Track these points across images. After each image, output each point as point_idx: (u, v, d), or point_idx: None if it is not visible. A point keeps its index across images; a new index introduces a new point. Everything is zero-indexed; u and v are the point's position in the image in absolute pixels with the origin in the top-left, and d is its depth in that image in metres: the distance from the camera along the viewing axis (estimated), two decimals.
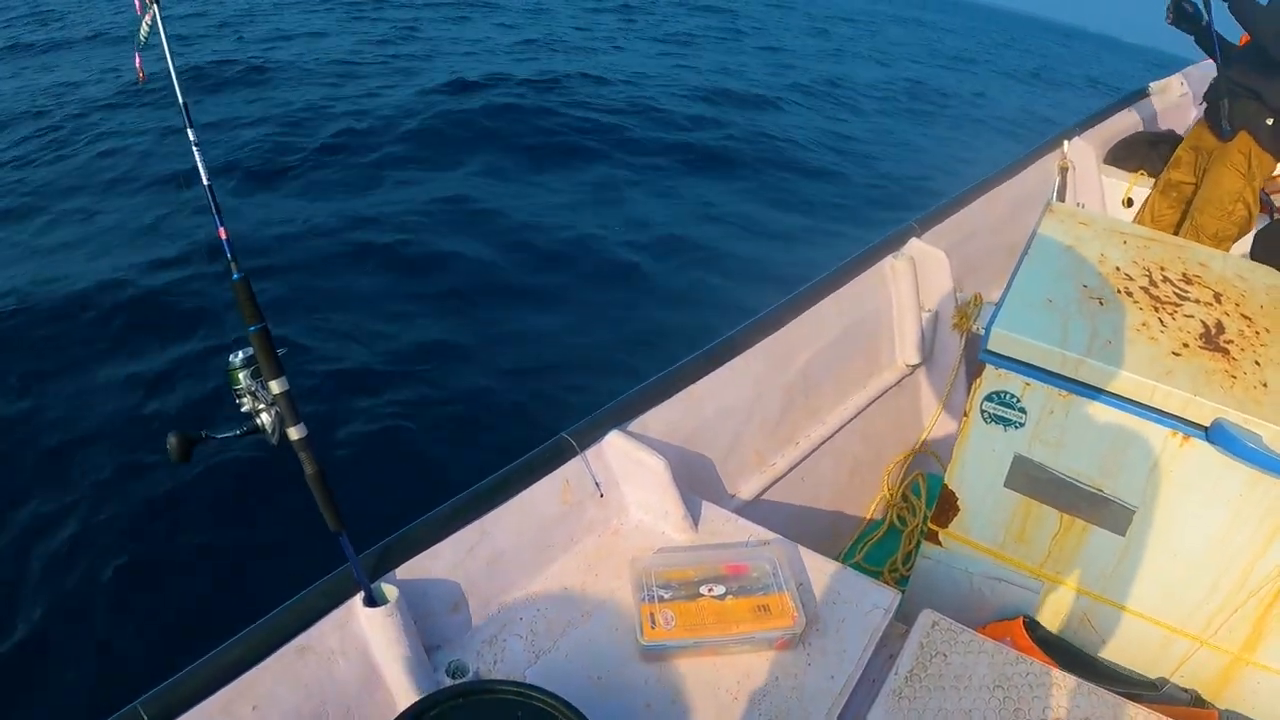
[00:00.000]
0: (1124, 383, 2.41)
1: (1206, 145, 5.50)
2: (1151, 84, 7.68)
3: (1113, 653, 2.84)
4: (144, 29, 1.78)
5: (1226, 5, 4.98)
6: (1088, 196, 6.36)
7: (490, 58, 16.49)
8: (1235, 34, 5.44)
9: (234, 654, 2.06)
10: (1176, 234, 5.54)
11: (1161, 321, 2.63)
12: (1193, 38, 5.58)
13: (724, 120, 14.71)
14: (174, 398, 5.94)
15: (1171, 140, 6.52)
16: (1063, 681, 2.45)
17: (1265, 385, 2.43)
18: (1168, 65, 9.05)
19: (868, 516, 4.16)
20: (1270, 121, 5.13)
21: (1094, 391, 2.46)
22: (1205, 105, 5.55)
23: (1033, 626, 2.85)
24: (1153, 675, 2.79)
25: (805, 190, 12.08)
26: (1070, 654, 2.83)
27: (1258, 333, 2.66)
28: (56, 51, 13.82)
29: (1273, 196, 5.88)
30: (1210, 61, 6.39)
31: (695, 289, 8.32)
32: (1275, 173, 5.51)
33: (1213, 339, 2.59)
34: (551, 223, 9.47)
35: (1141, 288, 2.80)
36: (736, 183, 11.86)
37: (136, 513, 5.05)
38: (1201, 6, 5.31)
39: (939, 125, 18.68)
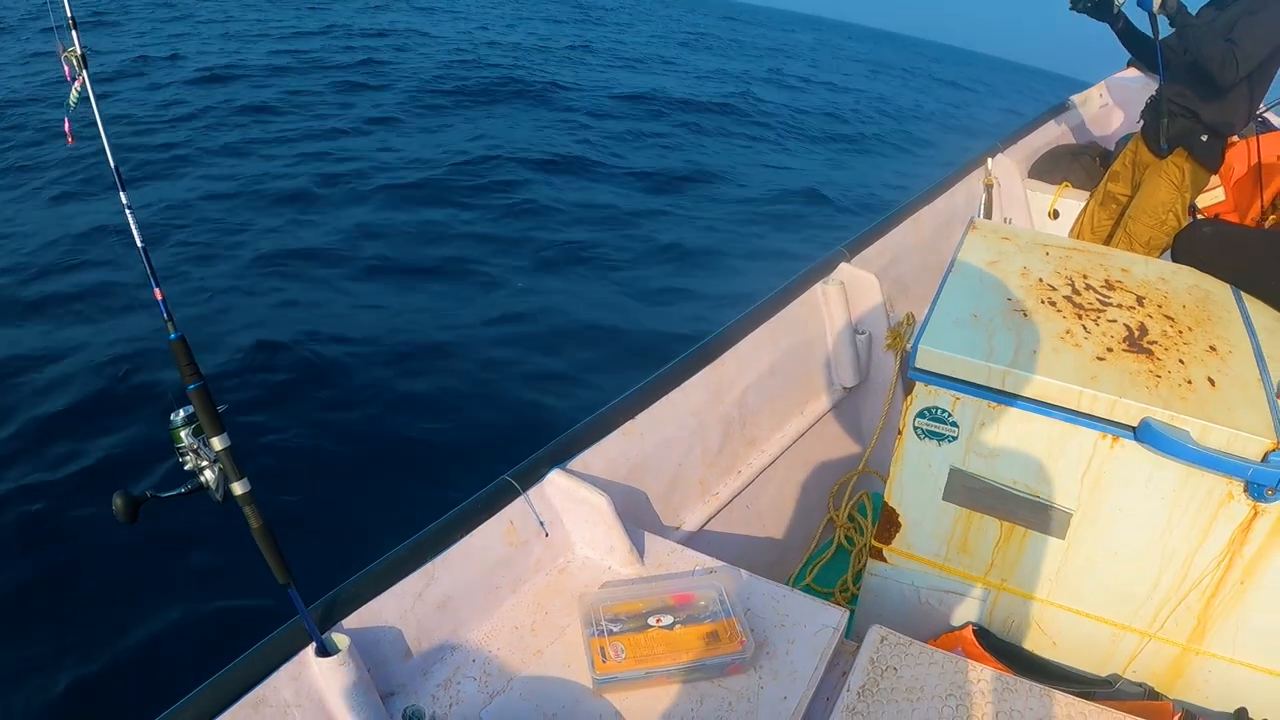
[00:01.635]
0: (1051, 390, 2.45)
1: (1143, 159, 5.60)
2: (1072, 97, 7.79)
3: (1064, 654, 2.87)
4: (74, 94, 1.79)
5: (1170, 25, 5.07)
6: (1014, 211, 6.44)
7: None
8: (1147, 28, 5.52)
9: (189, 712, 2.03)
10: (1108, 243, 5.63)
11: (1085, 328, 2.68)
12: (1110, 29, 5.64)
13: None
14: (114, 459, 5.90)
15: (1094, 151, 6.63)
16: (1016, 686, 2.48)
17: (1190, 382, 2.48)
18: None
19: (815, 539, 4.18)
20: (1205, 138, 5.24)
21: (1022, 401, 2.50)
22: (1143, 122, 5.64)
23: (983, 634, 2.87)
24: (1105, 673, 2.82)
25: None
26: (1022, 658, 2.85)
27: (1180, 332, 2.72)
28: None
29: (1195, 200, 5.98)
30: (1129, 73, 6.49)
31: None
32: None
33: (1136, 341, 2.64)
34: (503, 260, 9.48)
35: (1065, 297, 2.85)
36: None
37: (78, 571, 5.00)
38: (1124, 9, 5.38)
39: None
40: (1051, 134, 7.15)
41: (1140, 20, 5.46)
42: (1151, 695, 2.78)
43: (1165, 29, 5.20)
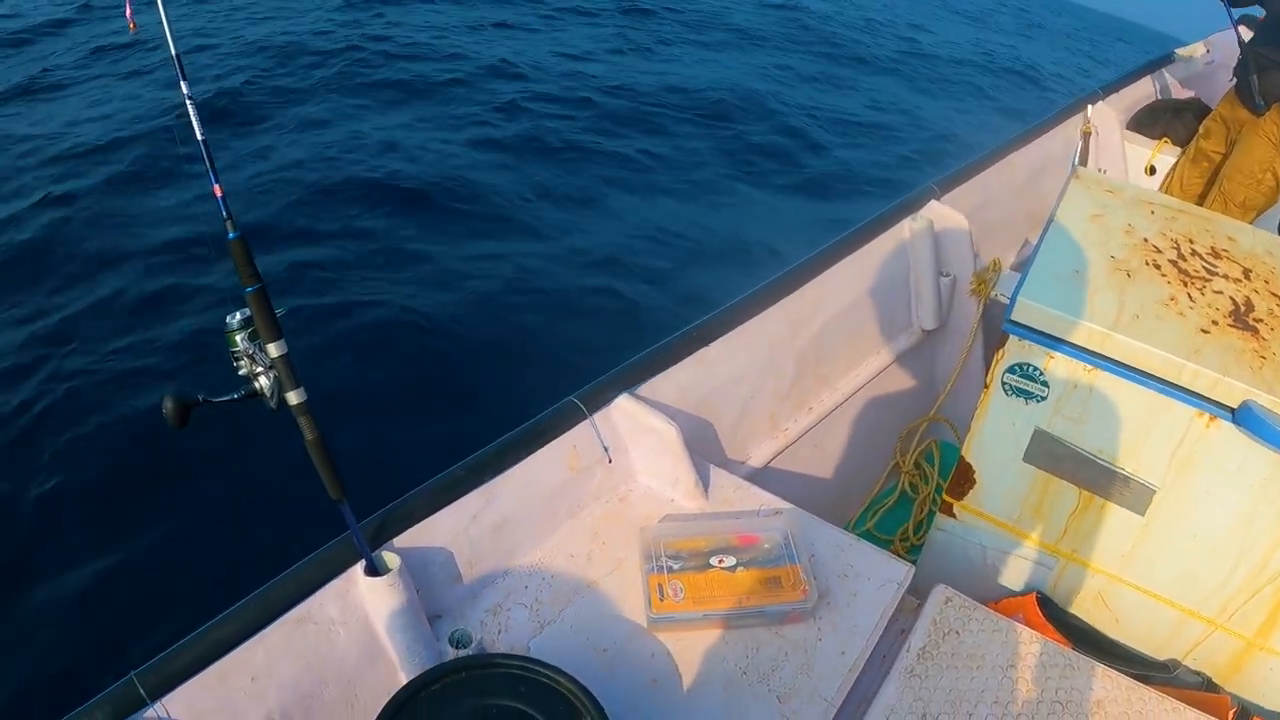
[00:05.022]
0: (1151, 359, 2.35)
1: (1239, 117, 5.43)
2: (1177, 50, 7.55)
3: (1126, 633, 2.81)
4: None
5: None
6: (1110, 163, 6.26)
7: None
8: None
9: (232, 625, 2.02)
10: (1201, 203, 5.47)
11: (1190, 297, 2.57)
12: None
13: None
14: (170, 359, 5.86)
15: (1195, 108, 6.42)
16: (1076, 663, 2.42)
17: None
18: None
19: (879, 484, 4.11)
20: None
21: (1120, 367, 2.41)
22: (1235, 80, 5.47)
23: (1045, 603, 2.81)
24: (1164, 657, 2.76)
25: None
26: (1082, 632, 2.80)
27: None
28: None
29: None
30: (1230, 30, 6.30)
31: None
32: None
33: (1242, 317, 2.53)
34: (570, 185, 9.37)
35: (1170, 260, 2.73)
36: None
37: (130, 478, 4.99)
38: None
39: None
40: (1153, 86, 6.93)
41: None
42: (1209, 686, 2.72)
43: None
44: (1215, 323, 2.48)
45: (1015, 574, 2.91)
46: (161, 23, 1.74)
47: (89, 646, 4.09)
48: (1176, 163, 5.83)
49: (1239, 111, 5.40)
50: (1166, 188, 5.81)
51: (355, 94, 10.81)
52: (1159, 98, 6.78)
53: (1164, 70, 7.18)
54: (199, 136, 1.82)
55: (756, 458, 3.40)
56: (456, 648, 2.25)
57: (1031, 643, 2.46)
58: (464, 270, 7.47)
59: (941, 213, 4.25)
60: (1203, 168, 5.62)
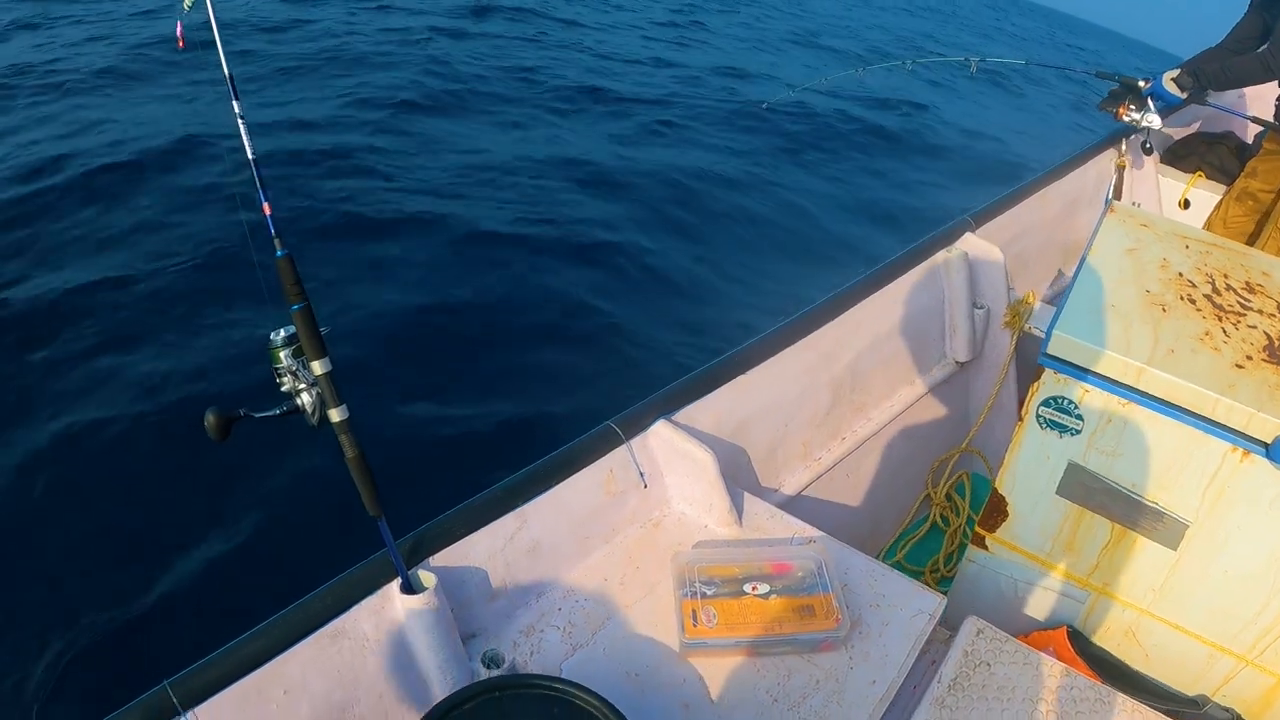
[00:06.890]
0: (1186, 394, 2.35)
1: None
2: None
3: (1155, 668, 2.80)
4: None
5: (1200, 89, 5.29)
6: (1144, 196, 6.25)
7: None
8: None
9: (266, 638, 2.04)
10: (1251, 243, 5.43)
11: (1225, 331, 2.57)
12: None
13: None
14: (213, 375, 5.89)
15: (1230, 142, 6.41)
16: (1107, 698, 2.42)
17: None
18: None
19: (911, 514, 4.12)
20: None
21: (1154, 402, 2.41)
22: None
23: (1075, 637, 2.81)
24: (1194, 693, 2.75)
25: None
26: (1112, 667, 2.80)
27: None
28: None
29: None
30: None
31: None
32: None
33: (1276, 352, 2.53)
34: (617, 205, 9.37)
35: (1205, 295, 2.73)
36: None
37: (169, 492, 5.02)
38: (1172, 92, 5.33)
39: None
40: (1187, 119, 6.92)
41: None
42: None
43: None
44: (1250, 357, 2.48)
45: (1046, 607, 2.91)
46: (216, 43, 1.77)
47: (121, 656, 4.12)
48: (1221, 201, 5.78)
49: None
50: (1209, 225, 5.76)
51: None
52: (1193, 131, 6.76)
53: (1198, 104, 7.19)
54: (249, 155, 1.84)
55: (790, 486, 3.41)
56: (489, 667, 2.27)
57: (1062, 676, 2.45)
58: None
59: (976, 245, 4.26)
60: (1248, 206, 5.55)
